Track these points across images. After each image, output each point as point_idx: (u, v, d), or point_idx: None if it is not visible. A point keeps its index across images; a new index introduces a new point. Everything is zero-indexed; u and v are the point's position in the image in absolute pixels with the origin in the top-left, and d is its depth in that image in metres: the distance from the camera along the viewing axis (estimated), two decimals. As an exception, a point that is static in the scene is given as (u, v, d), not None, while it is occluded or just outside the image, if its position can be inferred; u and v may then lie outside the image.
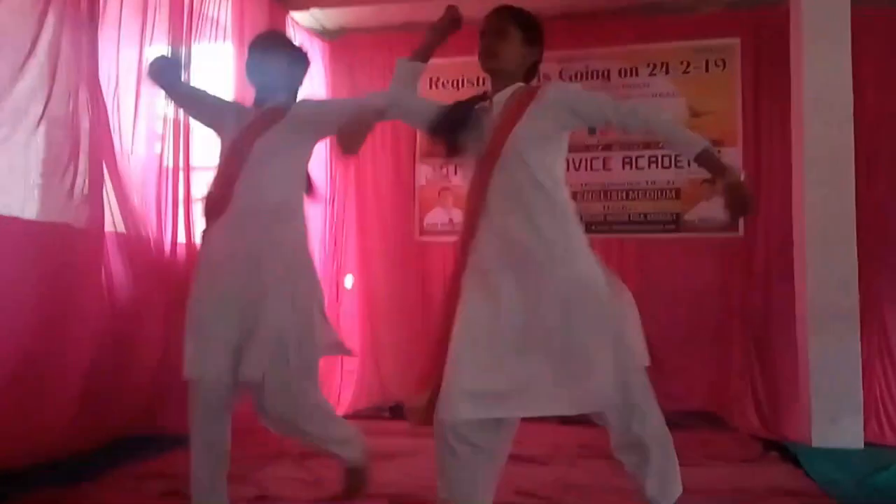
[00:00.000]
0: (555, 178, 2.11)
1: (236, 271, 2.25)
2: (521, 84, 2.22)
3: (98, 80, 3.20)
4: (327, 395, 4.43)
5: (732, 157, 4.75)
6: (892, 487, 2.72)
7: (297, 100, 2.51)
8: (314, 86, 4.95)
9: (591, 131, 4.94)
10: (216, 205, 2.33)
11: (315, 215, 4.92)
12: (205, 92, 2.57)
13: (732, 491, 2.75)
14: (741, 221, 4.73)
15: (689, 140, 2.10)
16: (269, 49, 2.47)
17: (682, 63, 4.86)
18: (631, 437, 2.02)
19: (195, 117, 2.68)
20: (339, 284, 5.10)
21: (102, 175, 3.21)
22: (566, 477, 2.94)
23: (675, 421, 3.92)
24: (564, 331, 1.93)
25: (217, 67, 4.19)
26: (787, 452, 3.39)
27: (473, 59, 2.28)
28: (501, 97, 2.17)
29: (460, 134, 2.16)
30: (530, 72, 2.27)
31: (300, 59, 2.54)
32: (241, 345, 2.23)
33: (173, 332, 3.40)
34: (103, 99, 3.24)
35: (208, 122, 2.53)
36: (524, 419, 2.02)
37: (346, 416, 4.65)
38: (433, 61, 4.71)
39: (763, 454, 3.49)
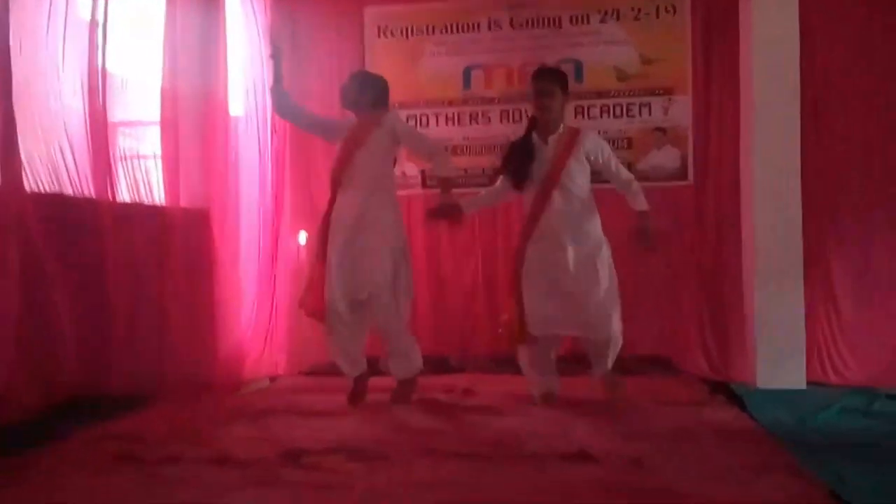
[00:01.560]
0: (590, 193, 3.57)
1: (357, 226, 3.53)
2: (563, 126, 3.59)
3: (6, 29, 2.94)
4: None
5: (683, 104, 4.79)
6: (832, 425, 2.84)
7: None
8: (247, 34, 4.72)
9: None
10: (336, 183, 3.66)
11: (263, 171, 4.80)
12: (321, 118, 4.01)
13: (678, 431, 2.84)
14: (690, 170, 4.79)
15: (641, 199, 3.54)
16: (362, 82, 3.75)
17: (632, 9, 4.83)
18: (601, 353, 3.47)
19: (318, 135, 4.10)
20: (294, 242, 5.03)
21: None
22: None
23: (629, 366, 4.13)
24: (585, 283, 3.38)
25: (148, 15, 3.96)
26: (733, 395, 3.50)
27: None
28: (553, 139, 3.55)
29: (527, 166, 3.52)
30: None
31: (381, 86, 3.78)
32: (358, 276, 3.51)
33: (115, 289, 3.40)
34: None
35: (329, 138, 3.88)
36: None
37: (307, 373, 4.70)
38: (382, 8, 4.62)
39: (710, 397, 3.60)
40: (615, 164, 3.55)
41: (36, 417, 2.93)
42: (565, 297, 3.36)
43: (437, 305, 5.04)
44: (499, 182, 3.75)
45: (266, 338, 4.66)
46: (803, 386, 3.84)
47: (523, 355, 3.59)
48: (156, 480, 2.33)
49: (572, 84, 4.75)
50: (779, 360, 3.84)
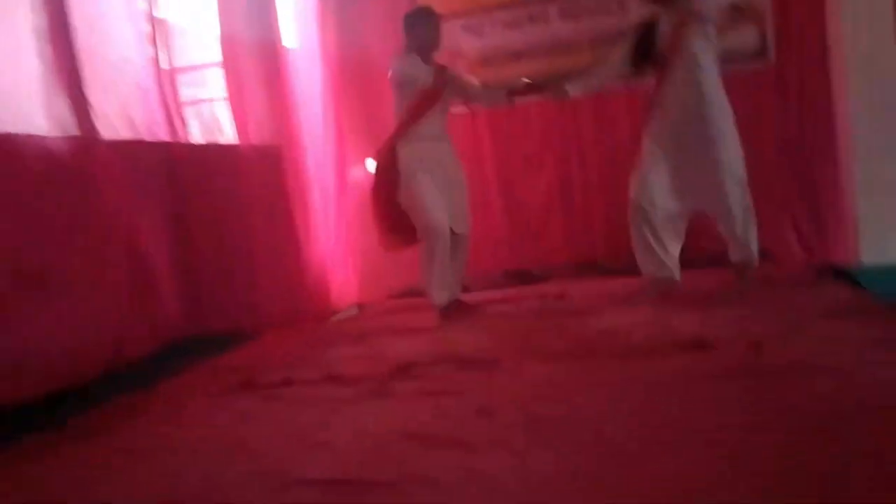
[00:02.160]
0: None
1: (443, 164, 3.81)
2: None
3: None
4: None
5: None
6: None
7: None
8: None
9: None
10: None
11: (326, 104, 4.74)
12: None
13: (795, 312, 2.74)
14: (771, 49, 4.49)
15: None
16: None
17: None
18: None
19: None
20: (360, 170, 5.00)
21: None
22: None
23: (721, 260, 4.00)
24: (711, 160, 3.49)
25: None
26: (843, 274, 3.35)
27: None
28: (668, 17, 3.51)
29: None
30: None
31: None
32: (457, 211, 3.75)
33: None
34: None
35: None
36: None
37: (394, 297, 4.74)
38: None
39: (819, 278, 3.46)
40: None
41: (148, 359, 3.04)
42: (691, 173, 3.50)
43: (512, 219, 4.96)
44: (616, 61, 3.69)
45: (347, 266, 4.71)
46: (910, 260, 3.64)
47: (638, 236, 3.59)
48: (275, 402, 2.40)
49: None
50: (885, 235, 3.64)
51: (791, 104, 4.49)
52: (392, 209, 3.69)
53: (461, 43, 4.86)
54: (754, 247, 3.52)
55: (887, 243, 3.67)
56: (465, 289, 3.89)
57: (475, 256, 4.81)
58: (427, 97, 3.65)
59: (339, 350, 3.11)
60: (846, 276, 3.29)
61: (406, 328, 3.44)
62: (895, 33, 3.57)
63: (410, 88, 3.65)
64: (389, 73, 3.72)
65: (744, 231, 3.48)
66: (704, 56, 3.47)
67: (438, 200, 3.61)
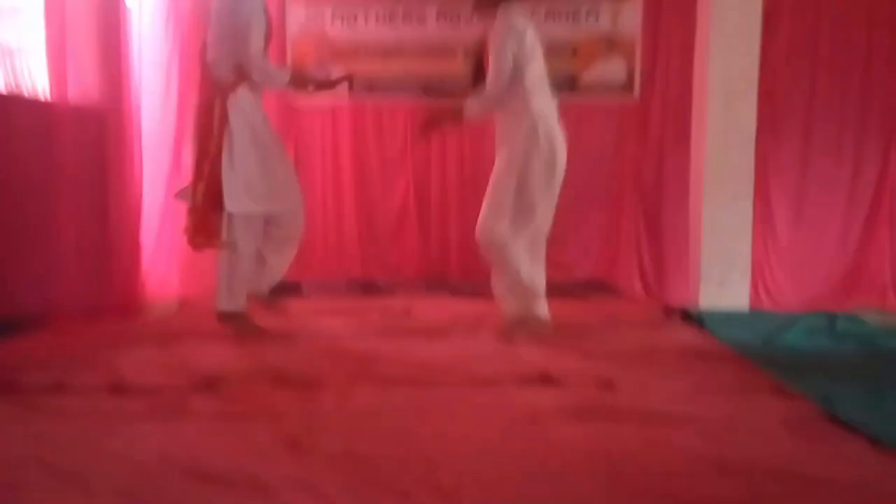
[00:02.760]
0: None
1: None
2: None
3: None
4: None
5: (632, 13, 4.48)
6: (800, 345, 2.70)
7: None
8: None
9: None
10: None
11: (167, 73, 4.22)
12: None
13: (643, 352, 2.64)
14: (637, 84, 4.53)
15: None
16: None
17: None
18: None
19: None
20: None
21: None
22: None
23: (567, 290, 3.93)
24: None
25: None
26: (688, 316, 3.33)
27: None
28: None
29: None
30: None
31: None
32: None
33: None
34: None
35: None
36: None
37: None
38: None
39: (664, 318, 3.43)
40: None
41: None
42: None
43: (362, 225, 4.66)
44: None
45: (171, 254, 4.18)
46: (747, 307, 3.73)
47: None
48: (34, 411, 1.92)
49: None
50: (724, 281, 3.70)
51: (651, 142, 4.55)
52: (213, 180, 2.89)
53: (328, 30, 4.51)
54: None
55: (724, 288, 3.73)
56: (301, 294, 3.52)
57: (318, 260, 4.50)
58: (268, 34, 2.97)
59: (136, 352, 2.63)
60: (692, 318, 3.27)
61: (225, 334, 3.00)
62: (758, 83, 3.65)
63: (259, 20, 2.88)
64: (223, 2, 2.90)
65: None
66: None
67: (280, 174, 3.01)
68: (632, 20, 4.49)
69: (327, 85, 3.27)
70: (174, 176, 4.18)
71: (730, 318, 3.20)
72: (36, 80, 3.31)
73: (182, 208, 4.12)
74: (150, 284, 3.98)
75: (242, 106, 2.89)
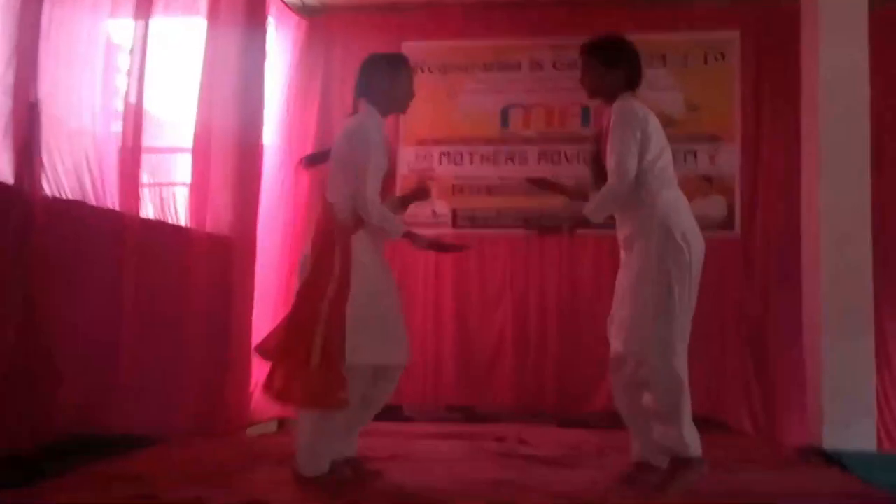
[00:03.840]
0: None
1: None
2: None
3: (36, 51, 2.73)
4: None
5: (730, 152, 4.61)
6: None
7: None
8: (282, 66, 4.59)
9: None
10: None
11: (285, 205, 4.55)
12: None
13: (792, 498, 2.48)
14: (737, 219, 4.57)
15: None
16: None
17: (680, 55, 4.69)
18: None
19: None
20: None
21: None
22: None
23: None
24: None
25: (188, 43, 3.79)
26: (827, 457, 3.15)
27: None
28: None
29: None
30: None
31: None
32: None
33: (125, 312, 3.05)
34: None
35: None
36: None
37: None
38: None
39: (801, 459, 3.25)
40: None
41: (25, 454, 2.52)
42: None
43: (462, 352, 4.70)
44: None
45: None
46: (873, 449, 3.51)
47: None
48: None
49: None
50: (848, 421, 3.51)
51: (755, 278, 4.51)
52: (318, 323, 2.46)
53: (436, 167, 4.80)
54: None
55: (849, 429, 3.53)
56: (408, 418, 3.53)
57: (416, 385, 4.52)
58: (388, 174, 2.68)
59: (258, 472, 2.66)
60: (831, 459, 3.09)
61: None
62: (871, 220, 3.63)
63: (378, 160, 2.58)
64: (355, 138, 2.60)
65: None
66: None
67: (399, 326, 2.66)
68: (730, 159, 4.61)
69: (440, 247, 2.90)
70: (280, 304, 4.41)
71: (868, 459, 3.01)
72: (179, 209, 3.64)
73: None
74: (254, 403, 4.09)
75: (365, 249, 2.56)
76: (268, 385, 2.48)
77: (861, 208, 3.67)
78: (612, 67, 2.67)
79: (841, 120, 3.71)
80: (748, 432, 4.30)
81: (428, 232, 4.59)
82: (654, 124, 2.62)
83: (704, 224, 4.46)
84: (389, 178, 2.75)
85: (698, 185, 4.61)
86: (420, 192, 2.98)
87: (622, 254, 2.73)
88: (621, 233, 2.70)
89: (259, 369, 4.15)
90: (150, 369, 3.26)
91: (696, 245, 2.60)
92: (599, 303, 4.49)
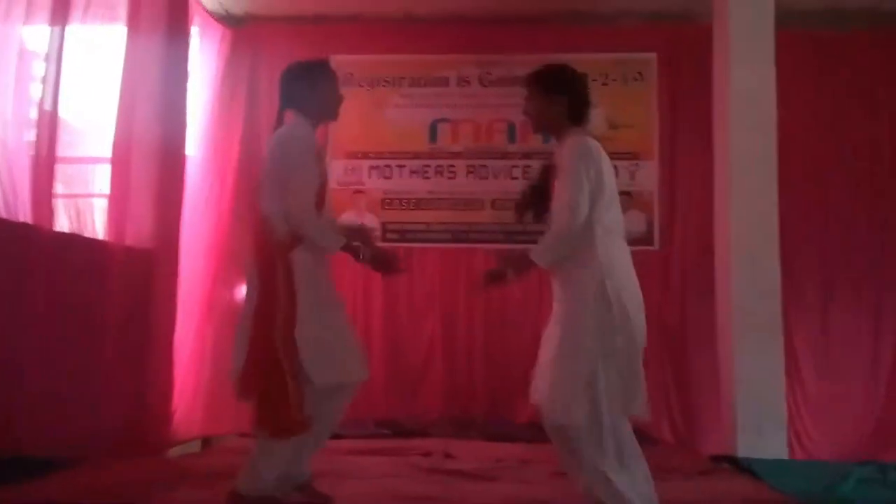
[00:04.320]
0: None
1: None
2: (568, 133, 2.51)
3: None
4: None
5: (649, 169, 4.78)
6: (860, 497, 2.67)
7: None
8: (206, 76, 4.51)
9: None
10: None
11: (207, 216, 4.45)
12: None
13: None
14: (656, 234, 4.74)
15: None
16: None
17: (601, 75, 4.83)
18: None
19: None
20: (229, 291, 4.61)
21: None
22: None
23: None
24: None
25: (107, 51, 3.67)
26: (737, 465, 3.29)
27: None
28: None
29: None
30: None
31: None
32: None
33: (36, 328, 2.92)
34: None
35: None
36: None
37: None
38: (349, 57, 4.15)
39: (713, 467, 3.37)
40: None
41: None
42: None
43: (390, 366, 4.69)
44: None
45: (196, 394, 4.19)
46: (785, 457, 3.69)
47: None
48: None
49: (538, 145, 4.75)
50: (761, 429, 3.68)
51: (672, 288, 4.69)
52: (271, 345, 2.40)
53: (365, 181, 4.80)
54: None
55: (761, 437, 3.70)
56: (337, 435, 3.48)
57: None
58: (322, 184, 2.56)
59: (180, 494, 2.58)
60: (741, 467, 3.23)
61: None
62: (778, 238, 3.83)
63: (308, 171, 2.48)
64: (281, 149, 2.51)
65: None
66: None
67: (352, 340, 2.59)
68: (649, 176, 4.79)
69: (383, 264, 2.67)
70: (204, 317, 4.31)
71: (779, 467, 3.16)
72: (97, 221, 3.50)
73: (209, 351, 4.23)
74: (176, 423, 3.97)
75: (306, 265, 2.46)
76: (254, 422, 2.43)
77: (769, 224, 3.87)
78: (556, 97, 2.47)
79: (750, 137, 3.92)
80: (668, 440, 4.44)
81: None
82: (608, 169, 2.42)
83: (625, 239, 4.75)
84: (323, 189, 2.60)
85: (621, 201, 4.75)
86: (365, 241, 2.67)
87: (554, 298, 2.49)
88: (555, 284, 2.47)
89: (182, 386, 4.05)
90: (65, 387, 3.12)
91: (633, 311, 2.34)
92: (527, 315, 4.63)
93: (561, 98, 2.47)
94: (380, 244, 4.64)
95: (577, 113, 2.49)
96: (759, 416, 3.70)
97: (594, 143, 2.42)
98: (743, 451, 3.66)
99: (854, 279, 4.52)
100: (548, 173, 2.53)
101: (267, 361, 2.37)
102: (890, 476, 2.87)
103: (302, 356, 2.36)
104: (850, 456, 4.16)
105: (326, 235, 2.49)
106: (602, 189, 2.35)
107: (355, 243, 2.57)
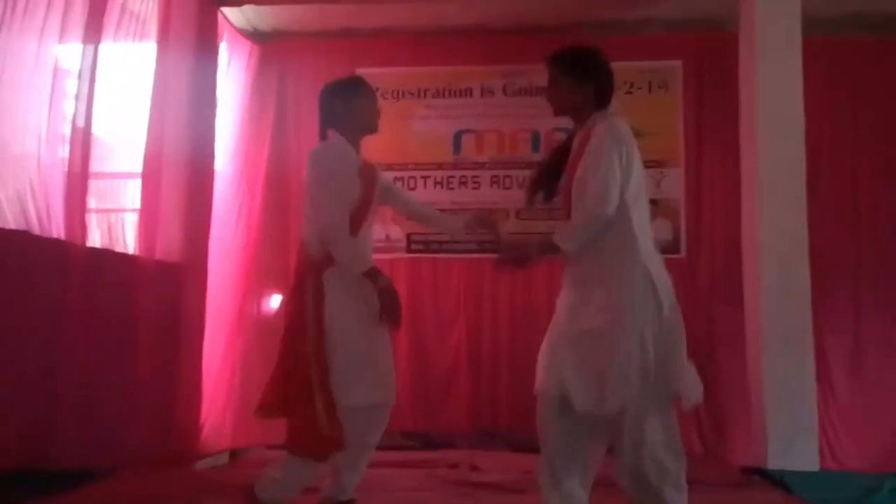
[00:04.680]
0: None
1: None
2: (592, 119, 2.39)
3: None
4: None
5: (675, 177, 4.75)
6: (890, 507, 2.63)
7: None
8: (235, 91, 4.58)
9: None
10: None
11: (237, 230, 4.52)
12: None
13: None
14: (683, 243, 4.70)
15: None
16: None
17: (625, 83, 4.82)
18: None
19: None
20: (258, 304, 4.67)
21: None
22: None
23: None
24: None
25: (138, 68, 3.75)
26: (769, 477, 3.24)
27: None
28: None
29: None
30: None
31: None
32: None
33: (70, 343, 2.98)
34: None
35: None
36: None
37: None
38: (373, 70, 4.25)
39: (745, 479, 3.33)
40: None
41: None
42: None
43: (416, 377, 4.70)
44: None
45: (225, 407, 4.24)
46: (816, 468, 3.62)
47: None
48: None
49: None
50: (792, 440, 3.63)
51: (700, 297, 4.63)
52: (307, 370, 2.42)
53: (389, 193, 4.83)
54: None
55: (792, 447, 3.65)
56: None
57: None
58: (364, 201, 2.56)
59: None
60: (772, 478, 3.18)
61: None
62: (808, 243, 3.78)
63: (342, 186, 2.49)
64: (315, 167, 2.54)
65: None
66: None
67: (382, 361, 2.60)
68: (675, 184, 4.75)
69: (389, 301, 2.55)
70: (233, 330, 4.37)
71: (810, 478, 3.11)
72: (128, 235, 3.58)
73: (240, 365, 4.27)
74: (205, 435, 4.02)
75: (336, 284, 2.46)
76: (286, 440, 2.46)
77: (798, 229, 3.83)
78: (582, 81, 2.36)
79: (777, 144, 3.89)
80: (697, 452, 4.39)
81: (382, 257, 4.67)
82: (637, 154, 2.35)
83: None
84: (366, 206, 2.58)
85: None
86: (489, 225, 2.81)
87: (568, 293, 2.39)
88: (576, 273, 2.35)
89: (212, 399, 4.11)
90: (97, 401, 3.18)
91: (675, 309, 2.29)
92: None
93: (587, 82, 2.36)
94: (405, 254, 4.72)
95: (602, 97, 2.37)
96: (790, 425, 3.65)
97: (624, 126, 2.32)
98: (773, 462, 3.61)
99: (886, 286, 4.43)
100: (563, 154, 2.43)
101: (297, 382, 2.39)
102: (923, 488, 2.82)
103: (330, 378, 2.39)
104: (882, 466, 4.08)
105: (351, 256, 2.46)
106: (631, 173, 2.26)
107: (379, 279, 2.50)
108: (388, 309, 2.51)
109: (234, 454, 4.27)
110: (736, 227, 4.29)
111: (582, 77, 2.37)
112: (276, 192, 4.75)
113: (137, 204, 3.64)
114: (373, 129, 2.69)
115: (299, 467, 2.45)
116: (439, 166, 4.87)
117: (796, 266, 3.78)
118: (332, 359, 2.41)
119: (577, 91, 2.36)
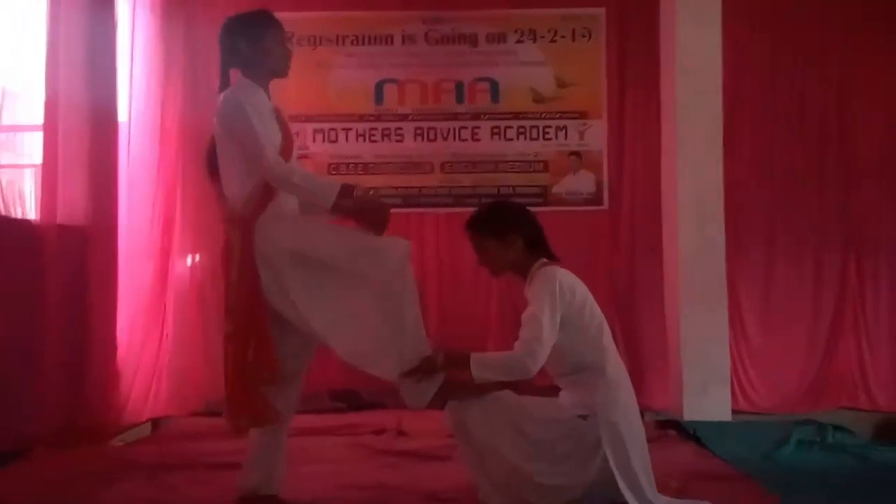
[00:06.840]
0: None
1: None
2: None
3: None
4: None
5: (598, 129, 4.74)
6: (798, 460, 2.78)
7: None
8: (140, 37, 4.22)
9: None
10: None
11: (156, 186, 4.25)
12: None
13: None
14: (605, 194, 4.73)
15: None
16: None
17: (549, 31, 4.75)
18: None
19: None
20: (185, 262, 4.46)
21: None
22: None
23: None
24: None
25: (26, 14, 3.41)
26: (682, 430, 3.38)
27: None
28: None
29: None
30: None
31: None
32: None
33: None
34: None
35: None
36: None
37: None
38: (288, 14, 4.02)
39: (660, 433, 3.45)
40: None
41: None
42: None
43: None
44: None
45: (153, 377, 4.08)
46: (729, 415, 3.80)
47: None
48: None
49: (487, 105, 4.68)
50: (706, 388, 3.79)
51: (622, 248, 4.71)
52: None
53: (310, 145, 4.65)
54: None
55: (707, 395, 3.80)
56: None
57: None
58: (285, 150, 2.25)
59: (127, 485, 2.52)
60: (688, 433, 3.31)
61: (216, 460, 2.90)
62: (723, 197, 3.86)
63: (264, 127, 2.20)
64: (229, 112, 2.23)
65: None
66: None
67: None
68: (598, 136, 4.75)
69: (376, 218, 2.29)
70: (156, 293, 4.15)
71: (723, 430, 3.25)
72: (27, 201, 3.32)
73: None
74: (131, 406, 3.86)
75: (266, 235, 2.17)
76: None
77: (715, 185, 3.92)
78: (506, 237, 2.31)
79: (696, 99, 3.94)
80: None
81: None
82: (587, 293, 2.30)
83: (575, 199, 4.74)
84: (288, 150, 2.27)
85: (569, 161, 4.74)
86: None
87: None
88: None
89: (136, 368, 3.92)
90: (6, 374, 3.00)
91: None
92: (479, 277, 4.59)
93: (512, 236, 2.31)
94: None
95: (533, 245, 2.33)
96: (705, 374, 3.81)
97: (565, 274, 2.25)
98: (689, 411, 3.77)
99: (797, 234, 4.60)
100: None
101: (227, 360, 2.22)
102: (827, 438, 2.99)
103: (315, 328, 2.19)
104: (792, 406, 4.35)
105: (316, 183, 2.19)
106: (583, 313, 2.22)
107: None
108: (375, 221, 2.25)
109: (155, 424, 4.12)
110: (657, 180, 4.34)
111: (504, 233, 2.32)
112: (194, 144, 4.46)
113: (38, 160, 3.35)
114: (282, 73, 2.36)
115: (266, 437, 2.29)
116: (360, 118, 4.71)
117: (712, 220, 3.89)
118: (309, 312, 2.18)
119: (506, 249, 2.32)
